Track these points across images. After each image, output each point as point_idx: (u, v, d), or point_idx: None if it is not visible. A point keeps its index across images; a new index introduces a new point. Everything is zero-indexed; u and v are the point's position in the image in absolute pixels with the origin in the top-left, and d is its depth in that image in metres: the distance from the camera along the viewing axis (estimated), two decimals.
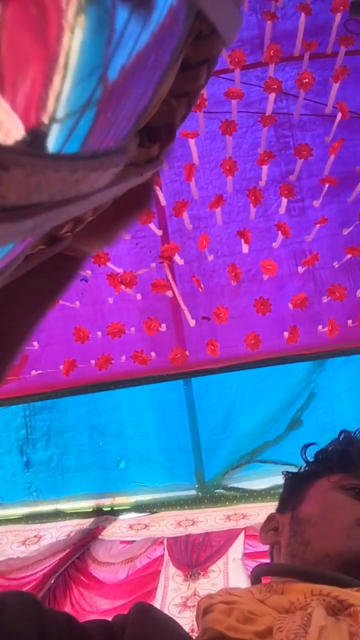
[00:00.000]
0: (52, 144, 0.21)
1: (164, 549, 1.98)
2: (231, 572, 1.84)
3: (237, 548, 1.89)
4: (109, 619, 0.58)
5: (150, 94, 0.26)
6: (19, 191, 0.17)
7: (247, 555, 1.89)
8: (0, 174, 0.16)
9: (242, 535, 1.92)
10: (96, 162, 0.21)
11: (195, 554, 1.91)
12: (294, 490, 0.80)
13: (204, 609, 0.59)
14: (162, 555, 1.96)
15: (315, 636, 0.47)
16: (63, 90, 0.20)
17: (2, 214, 0.18)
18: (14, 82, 0.18)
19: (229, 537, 1.94)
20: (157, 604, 1.76)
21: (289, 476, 0.84)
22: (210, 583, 1.77)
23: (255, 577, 0.66)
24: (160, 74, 0.26)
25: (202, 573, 1.82)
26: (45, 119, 0.20)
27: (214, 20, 0.24)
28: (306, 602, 0.55)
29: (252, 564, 1.69)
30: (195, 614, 0.62)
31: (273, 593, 0.59)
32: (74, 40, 0.20)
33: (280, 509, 0.79)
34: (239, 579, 1.80)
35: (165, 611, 1.68)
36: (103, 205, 0.27)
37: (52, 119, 0.20)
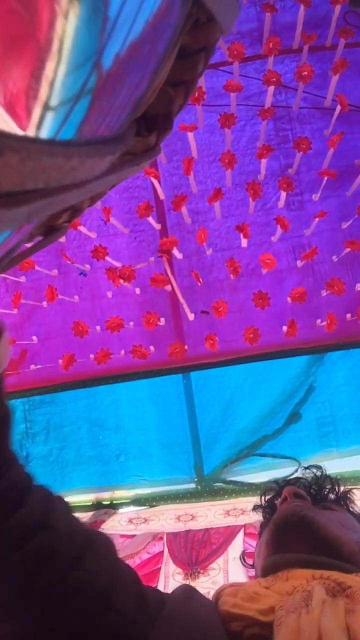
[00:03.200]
0: (46, 130, 0.21)
1: (163, 544, 1.98)
2: (231, 571, 1.85)
3: (237, 546, 1.89)
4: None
5: (147, 83, 0.26)
6: (14, 177, 0.17)
7: (247, 555, 1.90)
8: None
9: (241, 533, 1.92)
10: (92, 149, 0.21)
11: (195, 552, 1.92)
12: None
13: (216, 597, 0.63)
14: (162, 552, 1.96)
15: (319, 607, 0.50)
16: (57, 78, 0.20)
17: None
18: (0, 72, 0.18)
19: (229, 534, 1.94)
20: None
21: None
22: (211, 581, 1.78)
23: (264, 572, 0.68)
24: (156, 62, 0.26)
25: (202, 571, 1.83)
26: (37, 107, 0.20)
27: (212, 7, 0.24)
28: (308, 585, 0.57)
29: (250, 563, 1.70)
30: None
31: (278, 581, 0.63)
32: (68, 26, 0.20)
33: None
34: (239, 578, 1.81)
35: None
36: (100, 194, 0.27)
37: (46, 106, 0.20)
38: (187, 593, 0.62)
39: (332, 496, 0.91)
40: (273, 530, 0.75)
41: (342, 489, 0.92)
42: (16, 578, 0.50)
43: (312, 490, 0.91)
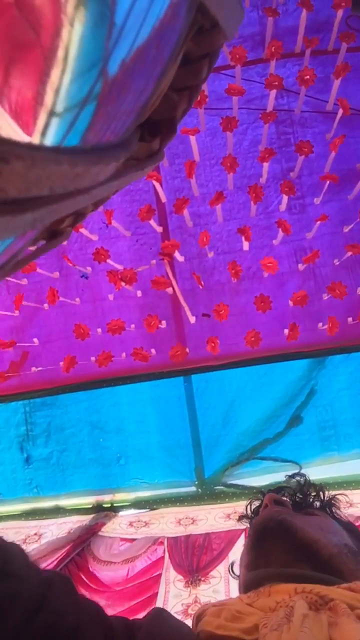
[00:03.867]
0: (51, 137, 0.21)
1: (164, 550, 1.98)
2: (232, 579, 1.83)
3: (238, 552, 1.88)
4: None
5: (151, 89, 0.26)
6: (19, 184, 0.17)
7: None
8: (0, 166, 0.16)
9: (242, 538, 1.91)
10: (97, 156, 0.21)
11: (195, 558, 1.91)
12: None
13: (197, 617, 0.63)
14: (163, 558, 1.96)
15: (298, 623, 0.50)
16: (62, 84, 0.20)
17: (2, 207, 0.17)
18: (5, 80, 0.18)
19: (229, 539, 1.94)
20: None
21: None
22: (212, 589, 1.77)
23: (246, 587, 0.68)
24: (161, 68, 0.26)
25: (202, 579, 1.82)
26: (43, 113, 0.20)
27: (216, 14, 0.24)
28: (291, 600, 0.57)
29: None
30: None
31: (261, 596, 0.63)
32: (74, 33, 0.20)
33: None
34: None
35: None
36: (104, 199, 0.27)
37: (52, 113, 0.20)
38: (160, 616, 0.61)
39: (317, 503, 0.91)
40: (252, 536, 0.75)
41: (326, 495, 0.93)
42: None
43: (296, 498, 0.91)
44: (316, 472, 2.01)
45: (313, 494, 0.93)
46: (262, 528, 0.74)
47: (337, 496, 0.94)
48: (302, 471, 1.00)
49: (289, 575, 0.65)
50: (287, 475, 1.00)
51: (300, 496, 0.92)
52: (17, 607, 0.50)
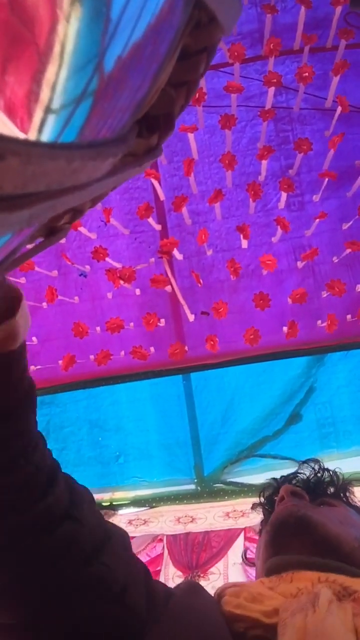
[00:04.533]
0: (48, 134, 0.20)
1: (163, 546, 1.98)
2: (231, 576, 1.84)
3: (237, 550, 1.89)
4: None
5: (148, 84, 0.26)
6: (15, 180, 0.17)
7: (247, 560, 1.89)
8: None
9: (241, 537, 1.92)
10: (94, 152, 0.21)
11: (195, 555, 1.91)
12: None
13: (218, 595, 0.63)
14: (162, 554, 1.96)
15: (324, 607, 0.49)
16: (58, 80, 0.20)
17: None
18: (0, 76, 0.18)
19: (229, 537, 1.94)
20: None
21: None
22: (211, 586, 1.78)
23: (268, 572, 0.68)
24: (158, 63, 0.26)
25: (202, 575, 1.82)
26: (39, 110, 0.20)
27: (213, 8, 0.24)
28: (314, 587, 0.57)
29: (253, 568, 1.69)
30: None
31: (282, 582, 0.62)
32: (70, 29, 0.20)
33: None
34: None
35: None
36: (101, 195, 0.27)
37: (48, 109, 0.20)
38: (192, 588, 0.62)
39: (331, 489, 0.90)
40: (270, 532, 0.74)
41: (341, 481, 0.92)
42: (41, 562, 0.51)
43: (310, 484, 0.90)
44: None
45: (327, 479, 0.91)
46: (281, 524, 0.73)
47: (353, 482, 0.93)
48: (313, 458, 0.99)
49: (313, 563, 0.64)
50: (301, 462, 0.99)
51: (314, 482, 0.91)
52: (73, 551, 0.52)
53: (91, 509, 0.56)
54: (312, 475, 0.93)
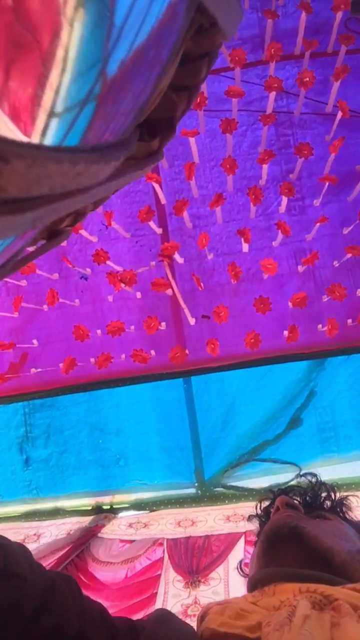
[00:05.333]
0: (51, 138, 0.21)
1: (163, 550, 1.98)
2: (232, 581, 1.83)
3: (238, 555, 1.88)
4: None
5: (150, 89, 0.26)
6: (20, 183, 0.17)
7: (246, 565, 1.88)
8: (1, 166, 0.16)
9: (242, 541, 1.91)
10: (97, 156, 0.21)
11: (195, 559, 1.91)
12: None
13: (201, 616, 0.63)
14: (162, 558, 1.95)
15: (299, 624, 0.49)
16: (62, 85, 0.20)
17: (2, 207, 0.18)
18: (4, 81, 0.18)
19: (229, 542, 1.93)
20: None
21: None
22: (211, 591, 1.77)
23: (252, 586, 0.68)
24: (160, 68, 0.26)
25: (202, 580, 1.82)
26: (42, 114, 0.20)
27: (215, 13, 0.24)
28: (295, 599, 0.57)
29: (247, 572, 1.68)
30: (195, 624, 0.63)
31: (265, 595, 0.62)
32: (73, 34, 0.20)
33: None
34: (240, 588, 1.80)
35: None
36: (103, 198, 0.27)
37: (51, 113, 0.20)
38: (162, 617, 0.61)
39: (328, 503, 0.90)
40: (264, 542, 0.74)
41: (337, 496, 0.92)
42: None
43: (307, 498, 0.90)
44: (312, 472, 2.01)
45: (324, 494, 0.92)
46: (275, 534, 0.73)
47: (350, 497, 0.93)
48: (311, 472, 0.99)
49: (294, 574, 0.64)
50: (298, 474, 0.99)
51: (311, 496, 0.91)
52: (20, 608, 0.50)
53: (27, 561, 0.55)
54: (309, 488, 0.93)
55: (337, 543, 0.71)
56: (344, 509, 0.89)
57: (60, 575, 0.58)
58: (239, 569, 1.04)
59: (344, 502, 0.91)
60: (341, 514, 0.88)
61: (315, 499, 0.90)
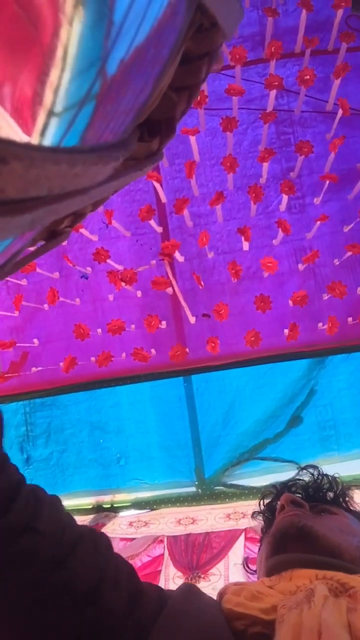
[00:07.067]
0: (50, 137, 0.20)
1: (164, 547, 1.98)
2: (232, 577, 1.83)
3: (238, 551, 1.88)
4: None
5: (150, 88, 0.26)
6: (18, 184, 0.17)
7: (250, 561, 1.89)
8: None
9: (242, 538, 1.91)
10: (96, 156, 0.21)
11: (195, 555, 1.91)
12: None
13: (220, 595, 0.63)
14: (162, 555, 1.96)
15: (320, 602, 0.50)
16: (61, 83, 0.20)
17: (1, 208, 0.17)
18: (4, 78, 0.18)
19: (230, 538, 1.94)
20: None
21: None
22: (211, 587, 1.77)
23: (269, 572, 0.68)
24: (160, 67, 0.26)
25: (202, 576, 1.82)
26: (42, 113, 0.20)
27: (215, 13, 0.24)
28: (311, 584, 0.57)
29: (253, 569, 1.68)
30: None
31: (282, 580, 0.63)
32: (73, 32, 0.20)
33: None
34: None
35: None
36: (103, 199, 0.27)
37: (51, 112, 0.20)
38: (190, 591, 0.62)
39: (330, 495, 0.89)
40: (271, 543, 0.74)
41: (340, 487, 0.91)
42: (0, 577, 0.51)
43: (310, 491, 0.90)
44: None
45: (326, 486, 0.91)
46: (282, 535, 0.73)
47: (352, 487, 0.93)
48: (312, 464, 0.99)
49: (312, 561, 0.65)
50: (300, 468, 0.99)
51: (314, 489, 0.90)
52: (35, 563, 0.52)
53: (54, 518, 0.57)
54: (312, 481, 0.92)
55: (345, 539, 0.71)
56: (347, 499, 0.89)
57: (90, 533, 0.60)
58: (245, 566, 1.04)
59: (347, 492, 0.90)
60: (345, 505, 0.87)
61: (317, 492, 0.90)
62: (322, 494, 0.89)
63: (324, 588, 0.55)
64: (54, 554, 0.54)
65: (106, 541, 0.60)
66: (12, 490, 0.55)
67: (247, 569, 1.00)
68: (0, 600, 0.51)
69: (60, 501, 0.60)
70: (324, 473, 0.94)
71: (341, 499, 0.88)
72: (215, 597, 0.64)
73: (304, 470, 0.96)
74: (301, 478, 0.94)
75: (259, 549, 0.83)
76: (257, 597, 0.58)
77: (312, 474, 0.94)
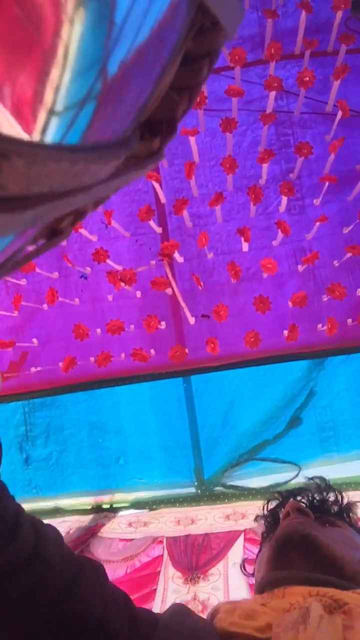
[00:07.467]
0: (51, 136, 0.21)
1: (163, 548, 1.98)
2: (231, 576, 1.83)
3: (237, 552, 1.88)
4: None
5: (151, 88, 0.26)
6: (20, 181, 0.17)
7: (247, 562, 1.88)
8: (1, 163, 0.16)
9: (241, 538, 1.91)
10: (97, 154, 0.21)
11: (195, 556, 1.91)
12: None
13: (211, 614, 0.63)
14: (162, 555, 1.96)
15: (316, 623, 0.50)
16: (62, 83, 0.20)
17: (2, 204, 0.18)
18: (5, 77, 0.18)
19: (229, 539, 1.94)
20: (156, 606, 1.76)
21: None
22: (210, 587, 1.77)
23: (260, 588, 0.68)
24: (161, 68, 0.26)
25: (202, 576, 1.82)
26: (42, 112, 0.20)
27: (216, 12, 0.24)
28: (305, 602, 0.57)
29: (250, 571, 1.67)
30: None
31: (274, 598, 0.63)
32: (73, 32, 0.20)
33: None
34: (239, 584, 1.80)
35: None
36: (103, 198, 0.27)
37: (51, 112, 0.20)
38: (180, 611, 0.62)
39: (335, 508, 0.90)
40: (274, 547, 0.74)
41: (345, 501, 0.91)
42: (10, 610, 0.51)
43: (315, 502, 0.90)
44: (316, 473, 2.01)
45: (332, 498, 0.91)
46: (286, 540, 0.73)
47: (357, 502, 0.93)
48: (319, 475, 0.99)
49: (304, 578, 0.65)
50: (307, 477, 0.99)
51: (319, 500, 0.91)
52: (46, 592, 0.52)
53: (58, 546, 0.57)
54: (317, 492, 0.92)
55: (347, 553, 0.71)
56: (350, 514, 0.89)
57: (89, 562, 0.60)
58: (242, 568, 1.04)
59: (351, 507, 0.91)
60: (348, 520, 0.87)
61: (323, 504, 0.90)
62: (327, 506, 0.89)
63: (318, 606, 0.55)
64: (62, 583, 0.53)
65: (103, 570, 0.61)
66: (15, 518, 0.55)
67: (244, 572, 1.00)
68: (16, 630, 0.51)
69: (57, 530, 0.60)
70: (331, 485, 0.95)
71: (345, 514, 0.89)
72: (225, 601, 0.64)
73: (311, 480, 0.96)
74: (307, 488, 0.95)
75: (259, 552, 0.83)
76: (251, 615, 0.58)
77: (319, 486, 0.94)
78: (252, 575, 0.85)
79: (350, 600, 0.57)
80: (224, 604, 0.64)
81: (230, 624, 0.57)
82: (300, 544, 0.71)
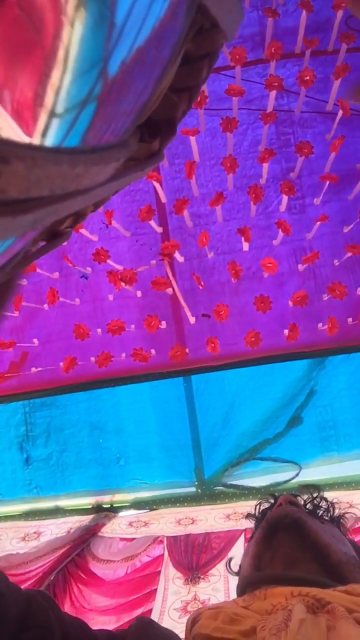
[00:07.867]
0: (51, 138, 0.21)
1: (163, 548, 1.98)
2: (231, 578, 1.83)
3: (238, 552, 1.88)
4: (112, 629, 0.63)
5: (151, 89, 0.26)
6: (20, 185, 0.17)
7: (231, 570, 1.87)
8: (1, 167, 0.16)
9: (242, 538, 1.91)
10: (97, 157, 0.21)
11: (195, 556, 1.91)
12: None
13: (192, 620, 0.62)
14: (162, 555, 1.96)
15: (295, 628, 0.50)
16: (62, 85, 0.20)
17: (2, 208, 0.17)
18: (5, 80, 0.18)
19: (229, 539, 1.94)
20: (157, 606, 1.76)
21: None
22: (211, 587, 1.77)
23: (241, 589, 0.68)
24: (161, 68, 0.26)
25: (202, 577, 1.82)
26: (43, 114, 0.20)
27: (216, 14, 0.24)
28: (287, 603, 0.57)
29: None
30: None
31: (256, 600, 0.62)
32: (74, 34, 0.20)
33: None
34: None
35: (166, 616, 1.68)
36: (103, 199, 0.27)
37: (52, 114, 0.20)
38: (143, 625, 0.62)
39: (326, 518, 0.90)
40: (265, 529, 0.75)
41: (336, 512, 0.92)
42: None
43: (307, 507, 0.91)
44: (316, 472, 2.02)
45: (324, 508, 0.92)
46: (277, 523, 0.74)
47: (346, 515, 0.94)
48: (311, 479, 0.99)
49: (285, 578, 0.65)
50: (301, 486, 0.99)
51: (310, 508, 0.92)
52: (5, 624, 0.52)
53: (4, 579, 0.56)
54: (310, 500, 0.93)
55: (334, 543, 0.72)
56: (340, 525, 0.90)
57: (35, 591, 0.59)
58: (228, 567, 1.05)
59: (341, 519, 0.91)
60: (338, 528, 0.88)
61: (314, 510, 0.91)
62: (319, 513, 0.90)
63: (301, 609, 0.54)
64: (17, 611, 0.53)
65: (51, 597, 0.60)
66: None
67: (230, 571, 1.00)
68: None
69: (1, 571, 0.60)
70: (323, 496, 0.95)
71: (335, 523, 0.89)
72: (206, 607, 0.64)
73: (305, 489, 0.97)
74: (300, 495, 0.95)
75: (250, 539, 0.84)
76: (235, 620, 0.57)
77: (312, 494, 0.95)
78: (237, 574, 0.86)
79: (333, 599, 0.56)
80: (205, 609, 0.63)
81: (214, 629, 0.57)
82: (290, 526, 0.72)
